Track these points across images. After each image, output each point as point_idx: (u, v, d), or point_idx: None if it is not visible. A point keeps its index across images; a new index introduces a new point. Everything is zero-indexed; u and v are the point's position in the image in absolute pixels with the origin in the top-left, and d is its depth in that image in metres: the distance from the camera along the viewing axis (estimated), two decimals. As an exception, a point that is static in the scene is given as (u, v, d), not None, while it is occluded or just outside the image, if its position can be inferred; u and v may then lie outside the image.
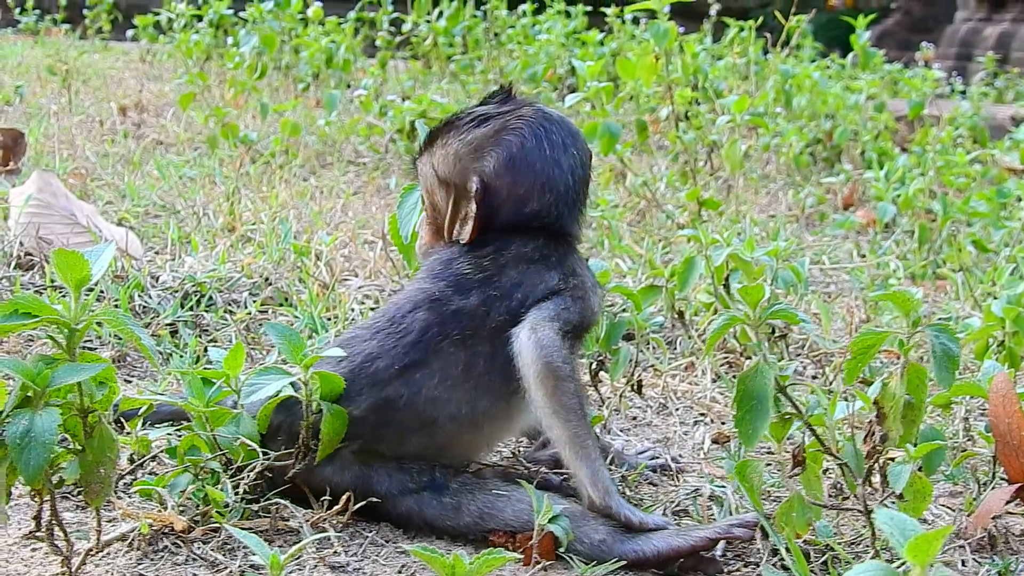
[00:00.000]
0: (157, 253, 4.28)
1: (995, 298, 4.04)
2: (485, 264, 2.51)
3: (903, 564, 1.50)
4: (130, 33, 12.14)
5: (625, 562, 2.31)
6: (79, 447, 2.05)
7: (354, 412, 2.41)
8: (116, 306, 3.53)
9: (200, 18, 10.02)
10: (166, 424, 2.80)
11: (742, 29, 8.60)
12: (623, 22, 10.17)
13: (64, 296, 2.02)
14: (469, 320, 2.44)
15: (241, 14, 9.25)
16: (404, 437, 2.45)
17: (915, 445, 2.32)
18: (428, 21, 9.70)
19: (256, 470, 2.42)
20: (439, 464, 2.49)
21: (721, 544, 2.37)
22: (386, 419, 2.43)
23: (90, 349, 3.35)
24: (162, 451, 2.57)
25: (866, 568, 1.49)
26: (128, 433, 2.57)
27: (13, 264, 3.87)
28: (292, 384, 2.38)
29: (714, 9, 11.62)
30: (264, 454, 2.44)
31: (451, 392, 2.43)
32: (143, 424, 2.69)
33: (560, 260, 2.51)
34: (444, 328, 2.44)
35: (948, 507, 2.75)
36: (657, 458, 2.93)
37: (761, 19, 8.38)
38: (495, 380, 2.43)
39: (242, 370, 2.43)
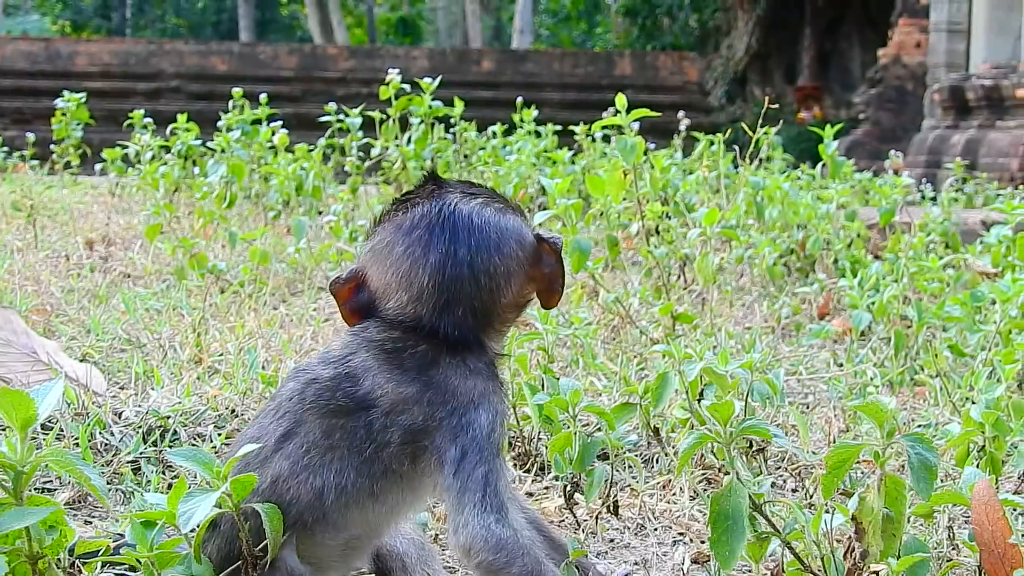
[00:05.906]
0: (122, 388, 4.20)
1: (973, 403, 4.00)
2: (347, 341, 2.49)
3: None
4: (99, 167, 12.12)
5: None
6: (28, 595, 1.99)
7: (256, 501, 2.35)
8: (76, 445, 3.45)
9: (168, 150, 10.01)
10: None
11: (712, 143, 8.62)
12: (593, 140, 10.20)
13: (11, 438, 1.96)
14: (322, 391, 2.42)
15: (209, 144, 9.25)
16: (308, 517, 2.39)
17: (897, 558, 2.27)
18: (397, 145, 9.70)
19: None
20: None
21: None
22: (283, 498, 2.38)
23: (49, 490, 3.27)
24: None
25: None
26: (84, 578, 2.49)
27: (-28, 405, 3.79)
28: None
29: (684, 124, 11.68)
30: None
31: (322, 459, 2.39)
32: (102, 568, 2.61)
33: (421, 366, 2.41)
34: (303, 395, 2.42)
35: (937, 620, 2.69)
36: (639, 583, 2.87)
37: (730, 132, 8.41)
38: (354, 457, 2.39)
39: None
